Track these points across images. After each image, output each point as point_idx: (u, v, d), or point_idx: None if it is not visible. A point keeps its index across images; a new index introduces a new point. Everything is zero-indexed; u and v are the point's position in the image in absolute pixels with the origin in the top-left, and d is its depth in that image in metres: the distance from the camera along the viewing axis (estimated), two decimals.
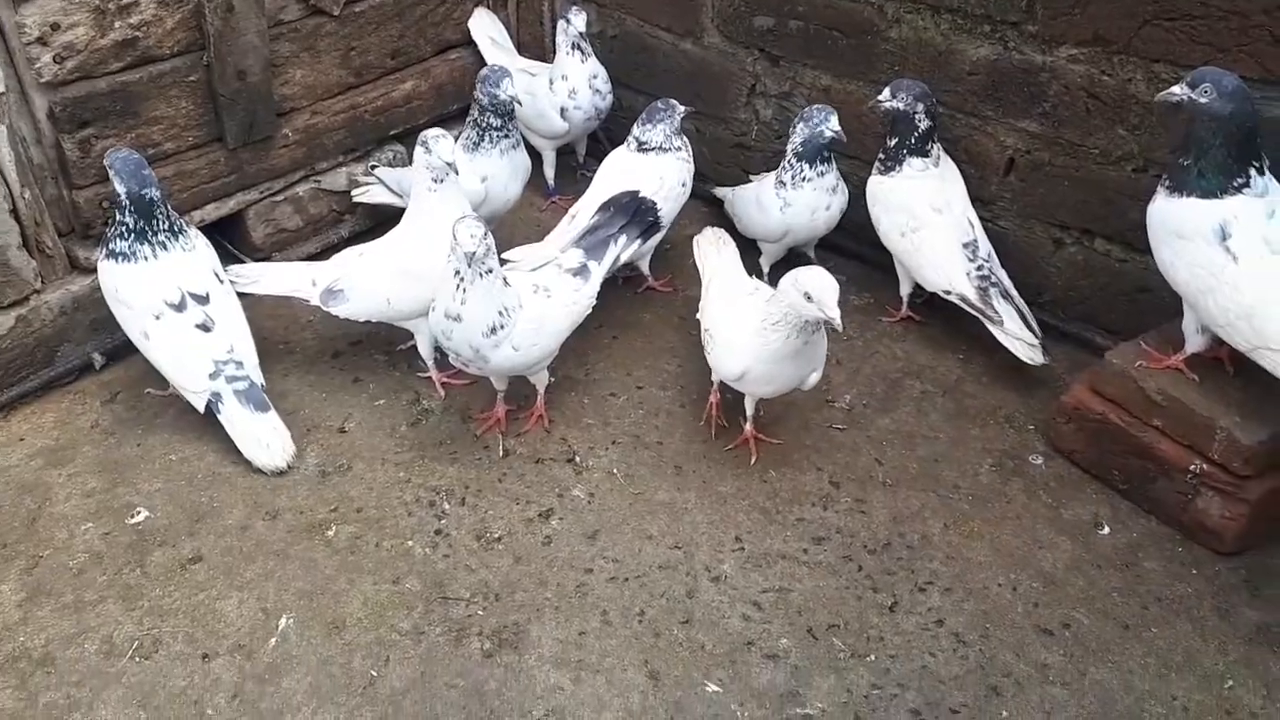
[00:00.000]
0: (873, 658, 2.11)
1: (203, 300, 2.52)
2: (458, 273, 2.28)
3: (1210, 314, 2.18)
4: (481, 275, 2.28)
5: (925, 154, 2.78)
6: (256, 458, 2.49)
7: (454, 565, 2.30)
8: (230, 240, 3.21)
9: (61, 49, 2.55)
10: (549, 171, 3.65)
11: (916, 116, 2.73)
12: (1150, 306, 2.67)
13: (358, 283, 2.65)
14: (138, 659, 2.09)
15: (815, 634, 2.16)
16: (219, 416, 2.50)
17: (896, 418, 2.72)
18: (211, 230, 3.09)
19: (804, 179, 2.92)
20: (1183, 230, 2.16)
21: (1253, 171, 2.09)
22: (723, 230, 2.91)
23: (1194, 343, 2.31)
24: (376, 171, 3.38)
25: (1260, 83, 2.39)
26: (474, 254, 2.23)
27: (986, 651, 2.13)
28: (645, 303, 3.17)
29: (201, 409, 2.50)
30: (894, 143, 2.80)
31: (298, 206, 3.29)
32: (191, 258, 2.56)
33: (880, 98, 2.76)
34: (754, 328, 2.29)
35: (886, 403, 2.76)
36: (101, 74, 2.65)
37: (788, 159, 2.94)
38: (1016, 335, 2.72)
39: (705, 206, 3.57)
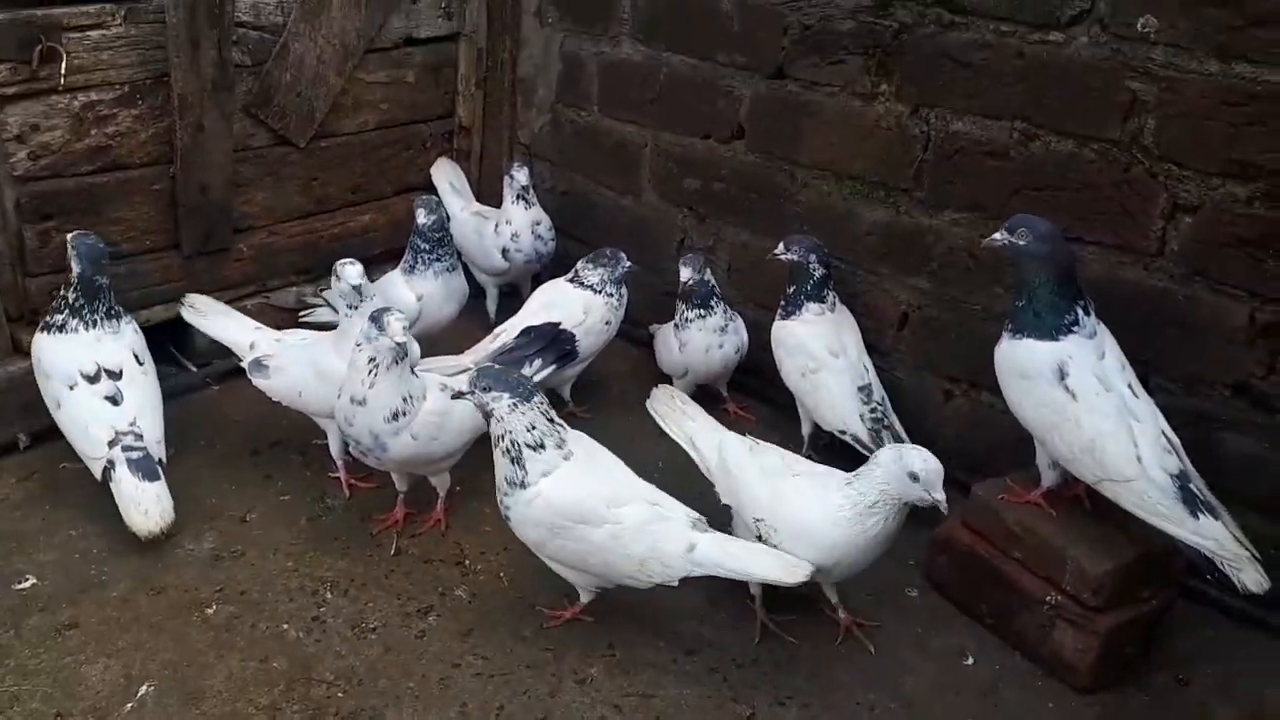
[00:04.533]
0: None
1: (115, 376, 2.66)
2: (373, 359, 2.43)
3: (1057, 449, 2.32)
4: (397, 361, 2.45)
5: (821, 299, 3.00)
6: (134, 522, 2.51)
7: (324, 650, 2.33)
8: (177, 344, 3.38)
9: (37, 147, 2.82)
10: (491, 306, 3.87)
11: (811, 266, 2.97)
12: (1032, 455, 2.80)
13: (284, 366, 2.80)
14: None
15: None
16: (110, 484, 2.56)
17: None
18: (159, 331, 3.29)
19: (688, 320, 3.20)
20: (1026, 371, 2.33)
21: (1079, 311, 2.29)
22: (668, 386, 2.86)
23: (1048, 478, 2.44)
24: (324, 294, 3.60)
25: (1112, 248, 2.65)
26: (404, 344, 2.42)
27: None
28: None
29: (99, 476, 2.58)
30: (792, 289, 3.02)
31: None
32: (115, 339, 2.72)
33: (776, 250, 3.01)
34: (841, 517, 2.21)
35: None
36: (71, 174, 2.91)
37: (677, 303, 3.23)
38: None
39: (635, 349, 3.77)
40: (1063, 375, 2.26)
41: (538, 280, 3.94)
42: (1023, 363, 2.33)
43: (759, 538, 2.35)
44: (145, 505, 2.54)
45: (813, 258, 2.97)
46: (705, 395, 3.39)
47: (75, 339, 2.67)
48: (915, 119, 2.94)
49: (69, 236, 2.69)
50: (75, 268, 2.64)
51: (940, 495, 2.12)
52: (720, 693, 2.30)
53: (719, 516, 2.46)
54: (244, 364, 2.84)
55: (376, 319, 2.44)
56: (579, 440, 2.35)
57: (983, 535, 2.51)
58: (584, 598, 2.44)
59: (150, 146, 3.04)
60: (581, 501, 2.26)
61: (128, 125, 2.97)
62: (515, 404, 2.26)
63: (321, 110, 3.44)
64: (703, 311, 3.17)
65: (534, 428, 2.26)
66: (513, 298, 3.88)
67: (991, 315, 2.90)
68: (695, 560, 2.26)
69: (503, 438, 2.27)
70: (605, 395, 3.51)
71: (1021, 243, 2.31)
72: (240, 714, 2.14)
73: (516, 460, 2.27)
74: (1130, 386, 2.30)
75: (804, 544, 2.26)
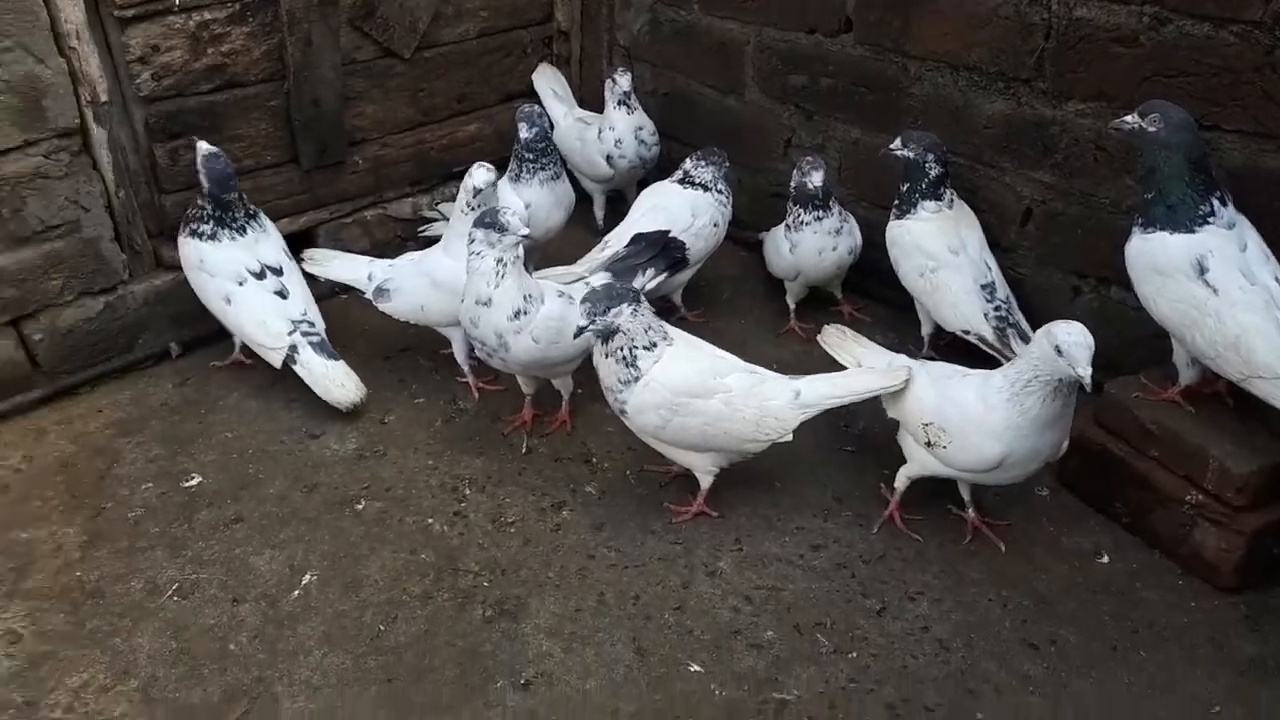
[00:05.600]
0: (854, 654, 2.19)
1: (278, 273, 2.88)
2: (500, 260, 2.50)
3: (1198, 347, 2.25)
4: (520, 257, 2.53)
5: (938, 197, 2.93)
6: (332, 395, 2.80)
7: (467, 543, 2.46)
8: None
9: (159, 68, 2.90)
10: (599, 212, 3.89)
11: (927, 164, 2.89)
12: (1168, 352, 2.74)
13: (402, 286, 2.90)
14: (176, 598, 2.29)
15: (801, 630, 2.25)
16: (295, 367, 2.80)
17: None
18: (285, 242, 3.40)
19: (802, 223, 3.16)
20: (1161, 266, 2.26)
21: (1215, 203, 2.20)
22: (838, 324, 2.82)
23: (1186, 375, 2.39)
24: (439, 207, 3.68)
25: (1253, 135, 2.52)
26: (528, 237, 2.51)
27: (969, 658, 2.19)
28: None
29: (279, 364, 2.80)
30: (906, 188, 2.96)
31: (365, 229, 3.58)
32: (265, 238, 2.92)
33: (892, 146, 2.93)
34: (1000, 399, 2.17)
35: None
36: (192, 93, 3.00)
37: (789, 204, 3.17)
38: None
39: (744, 251, 3.75)
40: (1202, 270, 2.20)
41: (643, 184, 3.95)
42: (1157, 258, 2.26)
43: (928, 444, 2.34)
44: (340, 379, 2.81)
45: (930, 156, 2.89)
46: (818, 298, 3.38)
47: (234, 244, 2.85)
48: (1035, 5, 2.80)
49: (199, 153, 2.81)
50: (205, 185, 2.79)
51: (1084, 370, 2.01)
52: (849, 587, 2.36)
53: None
54: (369, 295, 2.95)
55: (491, 222, 2.48)
56: (673, 330, 2.46)
57: (1116, 434, 2.48)
58: (704, 483, 2.51)
59: (264, 63, 3.10)
60: (691, 377, 2.36)
61: (241, 43, 3.03)
62: (635, 310, 2.34)
63: (424, 21, 3.44)
64: (820, 214, 3.14)
65: (650, 328, 2.35)
66: (619, 202, 3.90)
67: (1120, 209, 2.81)
68: (804, 403, 2.40)
69: (621, 348, 2.35)
70: (716, 299, 3.53)
71: (1151, 129, 2.23)
72: (397, 601, 2.29)
73: (631, 364, 2.35)
74: (1277, 279, 2.22)
75: (970, 433, 2.23)
